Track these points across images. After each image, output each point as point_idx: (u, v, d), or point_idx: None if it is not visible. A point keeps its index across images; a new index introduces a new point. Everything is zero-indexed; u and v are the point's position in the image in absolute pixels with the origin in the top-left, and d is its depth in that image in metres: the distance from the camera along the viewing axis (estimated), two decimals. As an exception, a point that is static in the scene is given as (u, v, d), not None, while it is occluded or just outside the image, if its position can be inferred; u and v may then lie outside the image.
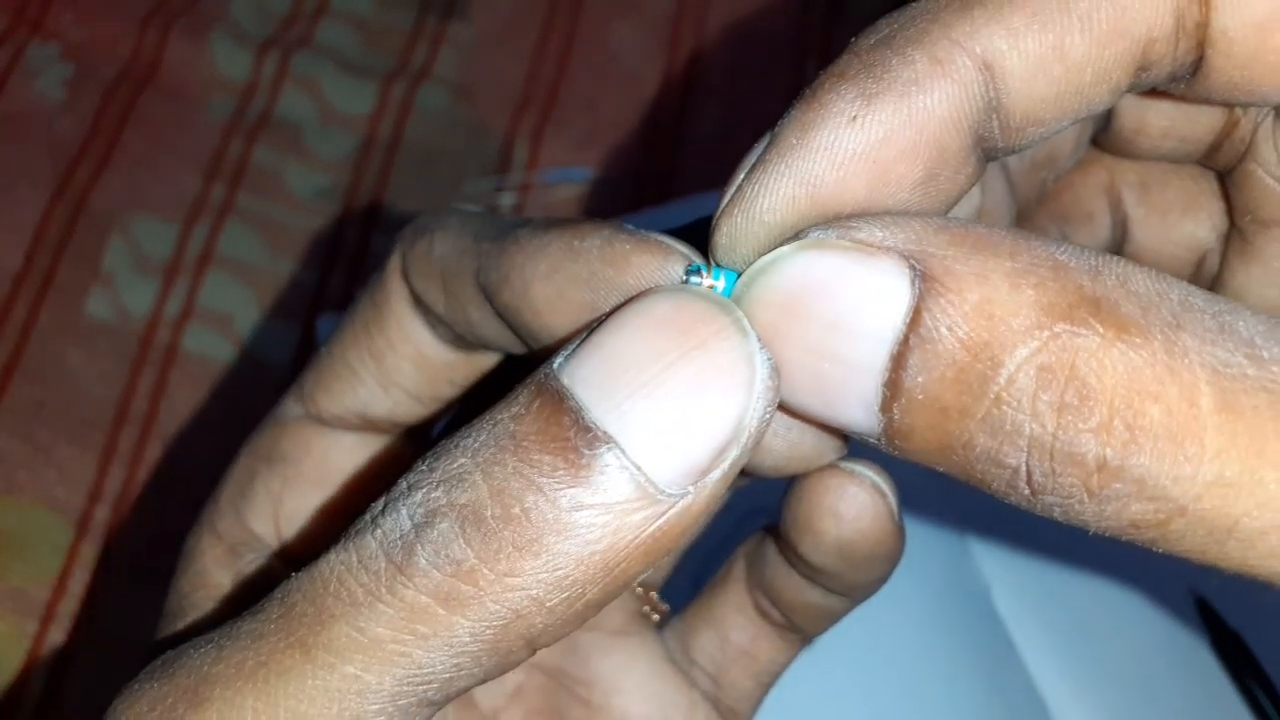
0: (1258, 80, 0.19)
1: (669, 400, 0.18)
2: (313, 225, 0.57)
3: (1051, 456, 0.16)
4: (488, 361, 0.26)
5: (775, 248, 0.18)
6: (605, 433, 0.18)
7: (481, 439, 0.18)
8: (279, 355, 0.54)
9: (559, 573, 0.18)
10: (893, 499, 0.26)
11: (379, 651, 0.18)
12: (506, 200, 0.58)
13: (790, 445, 0.22)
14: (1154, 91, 0.21)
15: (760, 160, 0.19)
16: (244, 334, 0.54)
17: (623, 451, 0.18)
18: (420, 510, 0.18)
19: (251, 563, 0.27)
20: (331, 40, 0.63)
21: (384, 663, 0.18)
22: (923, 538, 0.49)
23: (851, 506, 0.25)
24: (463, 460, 0.18)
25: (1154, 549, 0.17)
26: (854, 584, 0.27)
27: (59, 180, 0.57)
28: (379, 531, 0.18)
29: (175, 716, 0.19)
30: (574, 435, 0.18)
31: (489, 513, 0.18)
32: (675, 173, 0.59)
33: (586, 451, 0.17)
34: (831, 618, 0.29)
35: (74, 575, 0.49)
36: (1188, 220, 0.26)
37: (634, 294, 0.20)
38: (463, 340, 0.25)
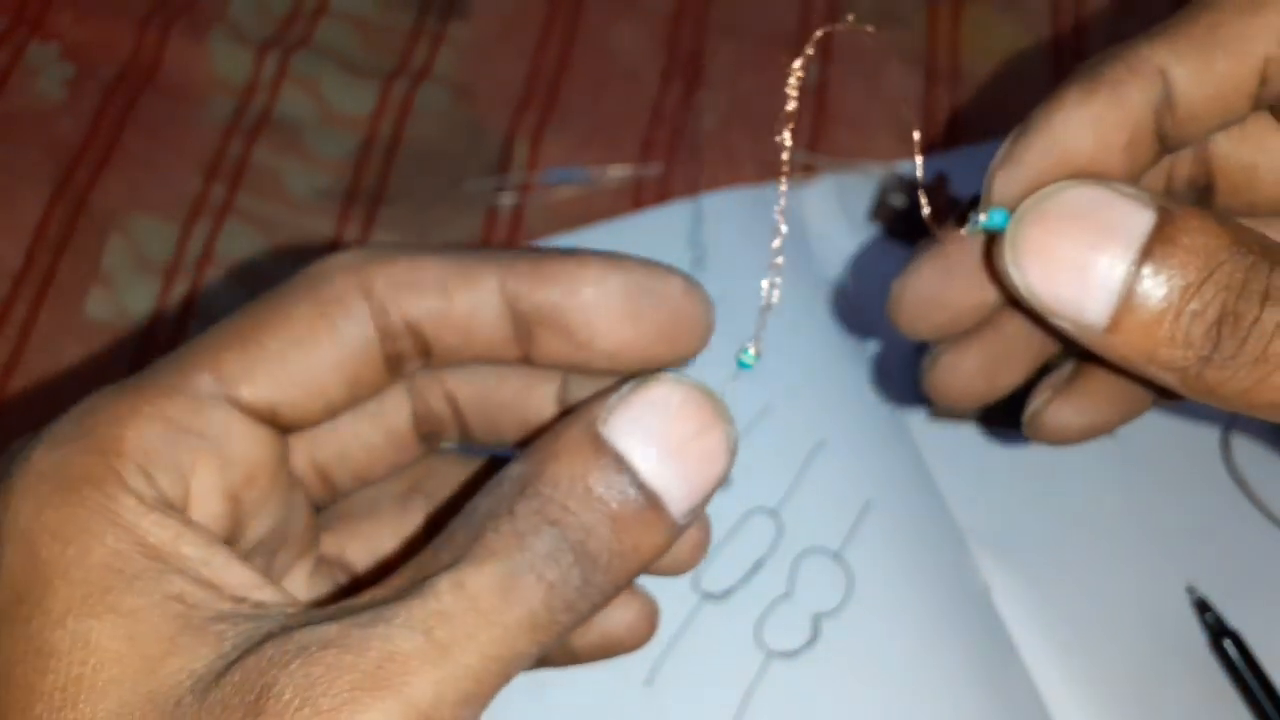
0: None
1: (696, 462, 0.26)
2: (313, 225, 0.57)
3: (1235, 311, 0.26)
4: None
5: (1035, 190, 0.28)
6: (655, 492, 0.25)
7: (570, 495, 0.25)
8: (279, 355, 0.54)
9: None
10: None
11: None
12: (506, 200, 0.58)
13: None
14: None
15: (1020, 133, 0.29)
16: (244, 334, 0.54)
17: (669, 507, 0.25)
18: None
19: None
20: (331, 40, 0.63)
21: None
22: (923, 538, 0.49)
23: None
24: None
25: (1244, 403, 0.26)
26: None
27: (59, 180, 0.57)
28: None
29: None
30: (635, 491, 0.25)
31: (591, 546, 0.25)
32: (675, 172, 0.59)
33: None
34: None
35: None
36: None
37: (650, 378, 0.26)
38: (397, 361, 0.28)
